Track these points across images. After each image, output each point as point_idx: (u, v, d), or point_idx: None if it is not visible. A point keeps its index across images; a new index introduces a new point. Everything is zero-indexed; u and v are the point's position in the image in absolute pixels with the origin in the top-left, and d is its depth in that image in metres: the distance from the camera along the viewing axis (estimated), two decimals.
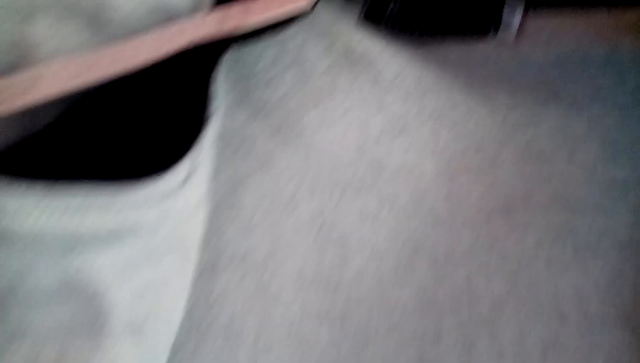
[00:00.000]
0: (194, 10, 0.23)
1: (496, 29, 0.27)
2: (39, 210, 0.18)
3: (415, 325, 0.23)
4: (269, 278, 0.23)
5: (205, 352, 0.22)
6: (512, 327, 0.23)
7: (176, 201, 0.20)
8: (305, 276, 0.23)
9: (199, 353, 0.22)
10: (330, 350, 0.23)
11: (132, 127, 0.20)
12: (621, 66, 0.26)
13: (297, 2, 0.23)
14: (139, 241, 0.20)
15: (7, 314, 0.18)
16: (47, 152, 0.19)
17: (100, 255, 0.19)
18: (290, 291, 0.23)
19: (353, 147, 0.25)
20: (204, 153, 0.22)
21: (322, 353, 0.23)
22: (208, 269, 0.23)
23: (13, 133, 0.20)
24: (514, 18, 0.27)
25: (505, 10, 0.27)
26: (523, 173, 0.25)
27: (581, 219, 0.25)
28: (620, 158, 0.25)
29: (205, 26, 0.22)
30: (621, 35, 0.26)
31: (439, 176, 0.25)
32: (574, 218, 0.25)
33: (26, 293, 0.18)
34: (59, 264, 0.18)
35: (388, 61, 0.26)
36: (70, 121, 0.19)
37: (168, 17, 0.23)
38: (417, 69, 0.26)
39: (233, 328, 0.23)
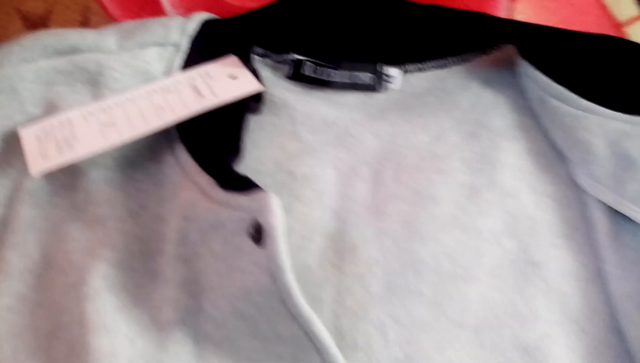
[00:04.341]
0: (166, 73, 0.36)
1: (383, 86, 0.38)
2: None
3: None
4: None
5: None
6: (394, 307, 0.31)
7: None
8: None
9: None
10: None
11: None
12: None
13: (254, 88, 0.35)
14: None
15: None
16: None
17: None
18: None
19: (273, 162, 0.35)
20: None
21: None
22: None
23: None
24: (396, 78, 0.38)
25: (389, 72, 0.38)
26: (398, 179, 0.35)
27: (436, 209, 0.34)
28: (475, 167, 0.35)
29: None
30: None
31: (336, 182, 0.35)
32: (429, 210, 0.34)
33: None
34: None
35: (300, 104, 0.37)
36: None
37: (147, 79, 0.35)
38: (322, 110, 0.37)
39: None
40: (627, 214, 0.31)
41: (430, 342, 0.30)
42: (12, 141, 0.33)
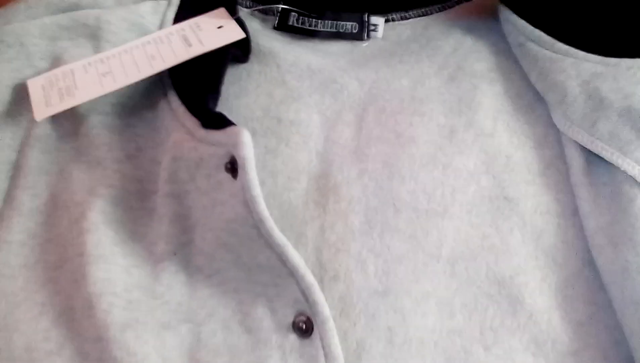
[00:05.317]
0: (159, 26, 0.38)
1: (368, 35, 0.40)
2: None
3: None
4: None
5: None
6: (374, 241, 0.33)
7: None
8: None
9: None
10: None
11: None
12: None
13: (238, 35, 0.38)
14: None
15: None
16: None
17: None
18: None
19: (261, 108, 0.37)
20: None
21: None
22: None
23: None
24: (379, 26, 0.40)
25: (373, 21, 0.40)
26: (380, 122, 0.37)
27: (415, 150, 0.35)
28: (454, 109, 0.37)
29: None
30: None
31: (321, 126, 0.37)
32: (408, 151, 0.35)
33: None
34: None
35: (287, 53, 0.39)
36: None
37: (142, 32, 0.38)
38: (307, 58, 0.39)
39: None
40: (598, 153, 0.32)
41: (407, 274, 0.32)
42: (23, 93, 0.36)
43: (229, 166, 0.31)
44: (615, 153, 0.32)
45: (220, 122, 0.32)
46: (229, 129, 0.32)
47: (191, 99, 0.34)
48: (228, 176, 0.31)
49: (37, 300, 0.32)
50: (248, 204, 0.30)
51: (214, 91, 0.36)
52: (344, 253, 0.33)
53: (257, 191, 0.30)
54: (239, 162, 0.30)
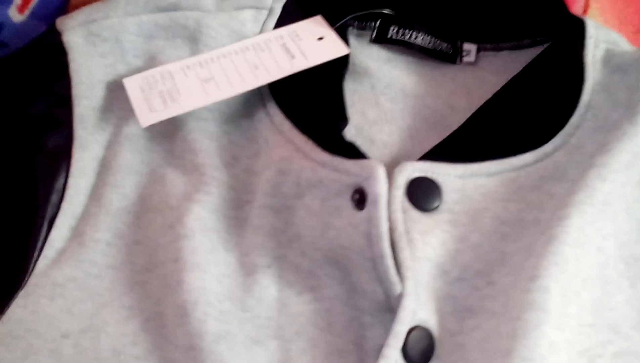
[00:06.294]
0: (260, 32, 0.38)
1: (460, 59, 0.40)
2: None
3: None
4: None
5: None
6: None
7: None
8: None
9: None
10: None
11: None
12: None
13: (342, 50, 0.37)
14: None
15: None
16: None
17: None
18: None
19: (354, 127, 0.38)
20: None
21: None
22: None
23: None
24: (472, 52, 0.40)
25: (465, 47, 0.40)
26: None
27: None
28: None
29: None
30: None
31: (413, 150, 0.37)
32: None
33: None
34: None
35: (382, 74, 0.39)
36: None
37: (241, 39, 0.37)
38: (401, 81, 0.39)
39: None
40: None
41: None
42: (114, 89, 0.36)
43: (356, 196, 0.31)
44: None
45: (350, 151, 0.33)
46: (364, 162, 0.32)
47: (311, 120, 0.34)
48: (350, 205, 0.31)
49: (125, 303, 0.31)
50: (371, 238, 0.30)
51: (344, 118, 0.36)
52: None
53: (385, 229, 0.30)
54: (371, 197, 0.30)
